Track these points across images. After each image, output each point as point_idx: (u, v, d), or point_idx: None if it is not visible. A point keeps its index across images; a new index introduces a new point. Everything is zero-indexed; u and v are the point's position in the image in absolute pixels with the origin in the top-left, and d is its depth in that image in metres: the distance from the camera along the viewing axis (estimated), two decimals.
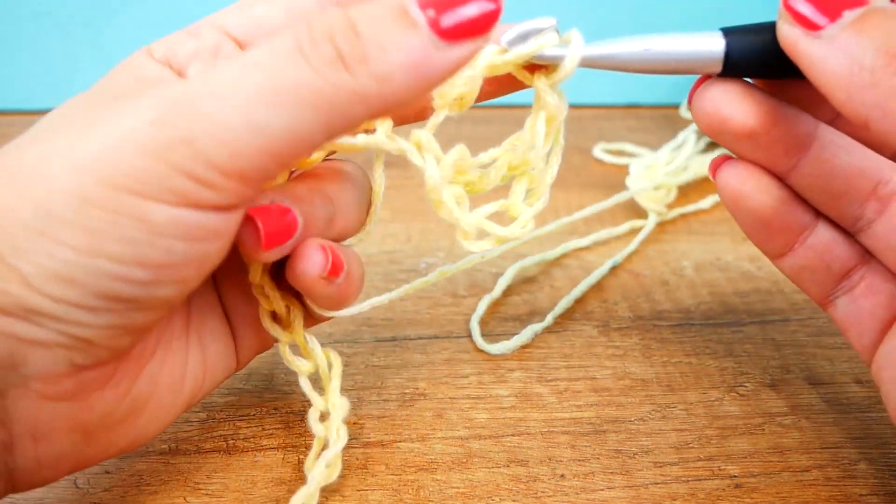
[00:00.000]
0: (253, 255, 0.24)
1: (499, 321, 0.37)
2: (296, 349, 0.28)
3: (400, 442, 0.29)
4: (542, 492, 0.27)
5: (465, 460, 0.29)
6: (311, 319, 0.28)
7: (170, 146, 0.20)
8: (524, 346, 0.35)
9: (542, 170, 0.26)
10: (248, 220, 0.23)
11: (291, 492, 0.27)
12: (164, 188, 0.20)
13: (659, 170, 0.47)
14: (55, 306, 0.20)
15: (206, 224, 0.21)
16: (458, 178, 0.26)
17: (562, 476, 0.28)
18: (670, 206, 0.47)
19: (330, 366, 0.28)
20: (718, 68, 0.24)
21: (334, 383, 0.28)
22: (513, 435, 0.30)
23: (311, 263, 0.25)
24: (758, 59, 0.23)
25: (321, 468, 0.26)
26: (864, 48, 0.20)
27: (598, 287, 0.39)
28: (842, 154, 0.25)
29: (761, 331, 0.36)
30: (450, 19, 0.21)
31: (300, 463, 0.28)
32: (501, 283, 0.38)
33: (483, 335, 0.35)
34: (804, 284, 0.28)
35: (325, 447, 0.27)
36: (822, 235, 0.27)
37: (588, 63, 0.24)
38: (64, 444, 0.22)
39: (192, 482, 0.27)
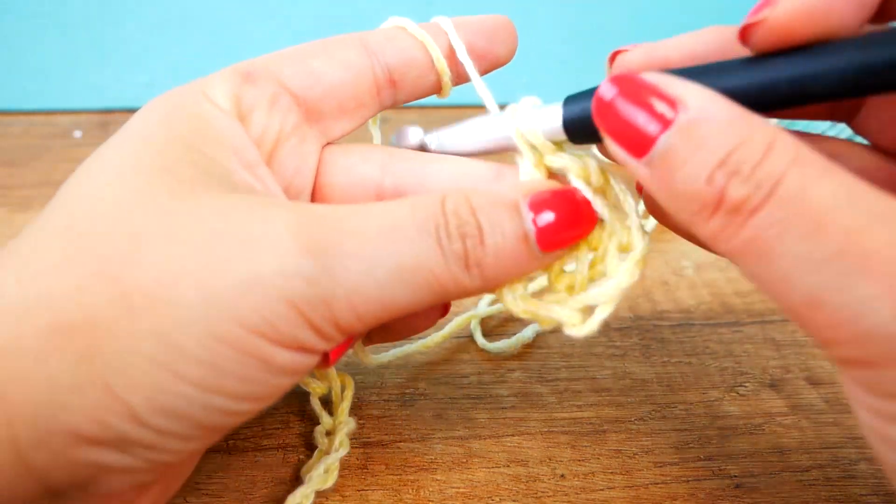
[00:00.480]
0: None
1: (498, 321, 0.37)
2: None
3: (400, 442, 0.29)
4: (542, 492, 0.27)
5: (465, 460, 0.29)
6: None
7: (312, 304, 0.20)
8: (524, 346, 0.35)
9: (619, 227, 0.24)
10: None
11: (291, 492, 0.27)
12: (293, 337, 0.20)
13: None
14: (156, 438, 0.19)
15: (309, 363, 0.21)
16: (558, 285, 0.25)
17: (562, 476, 0.28)
18: None
19: (343, 388, 0.29)
20: (563, 137, 0.24)
21: (345, 405, 0.29)
22: (513, 435, 0.30)
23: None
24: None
25: (320, 471, 0.26)
26: (673, 191, 0.19)
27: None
28: None
29: (761, 331, 0.36)
30: (554, 237, 0.22)
31: (300, 463, 0.28)
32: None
33: (483, 335, 0.35)
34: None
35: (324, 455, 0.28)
36: None
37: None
38: None
39: (192, 482, 0.27)
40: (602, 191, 0.24)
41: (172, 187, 0.20)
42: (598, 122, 0.20)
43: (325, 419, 0.29)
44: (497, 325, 0.36)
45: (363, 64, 0.26)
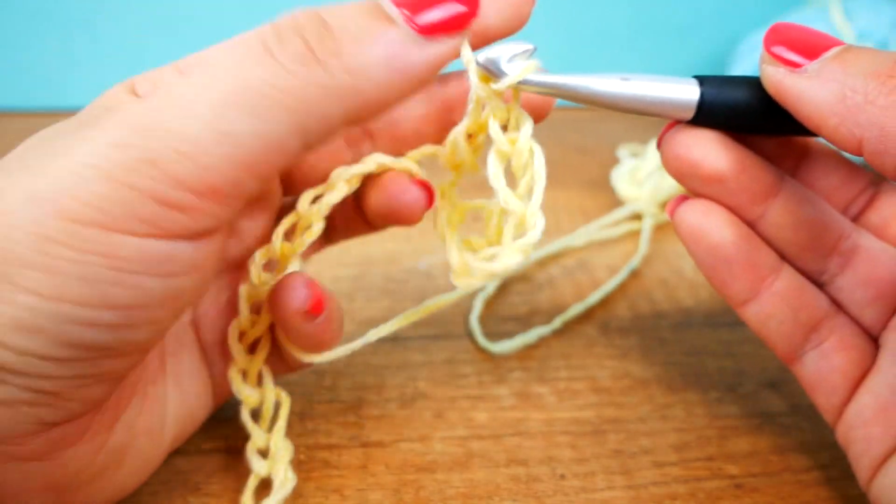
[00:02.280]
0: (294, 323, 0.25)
1: (498, 321, 0.37)
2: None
3: (400, 442, 0.29)
4: (542, 492, 0.27)
5: (465, 460, 0.29)
6: (284, 366, 0.28)
7: (132, 168, 0.18)
8: (525, 346, 0.35)
9: (519, 205, 0.24)
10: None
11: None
12: (131, 216, 0.18)
13: (643, 171, 0.47)
14: (18, 359, 0.18)
15: (180, 255, 0.19)
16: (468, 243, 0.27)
17: (562, 476, 0.28)
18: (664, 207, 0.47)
19: (278, 405, 0.27)
20: (689, 115, 0.24)
21: (280, 423, 0.27)
22: (513, 435, 0.30)
23: (295, 297, 0.24)
24: (730, 111, 0.23)
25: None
26: (852, 75, 0.21)
27: (597, 287, 0.39)
28: (807, 206, 0.25)
29: None
30: (425, 17, 0.20)
31: (300, 463, 0.28)
32: (496, 282, 0.38)
33: (483, 335, 0.35)
34: (771, 336, 0.26)
35: (266, 484, 0.26)
36: (789, 280, 0.25)
37: (561, 93, 0.23)
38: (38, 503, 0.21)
39: (193, 482, 0.27)
40: (521, 167, 0.24)
41: (52, 137, 0.20)
42: (770, 41, 0.22)
43: (258, 435, 0.27)
44: (498, 326, 0.36)
45: None
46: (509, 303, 0.38)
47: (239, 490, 0.27)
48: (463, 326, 0.36)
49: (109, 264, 0.18)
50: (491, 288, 0.38)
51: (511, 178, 0.24)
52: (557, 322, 0.36)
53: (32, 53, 0.58)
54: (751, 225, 0.25)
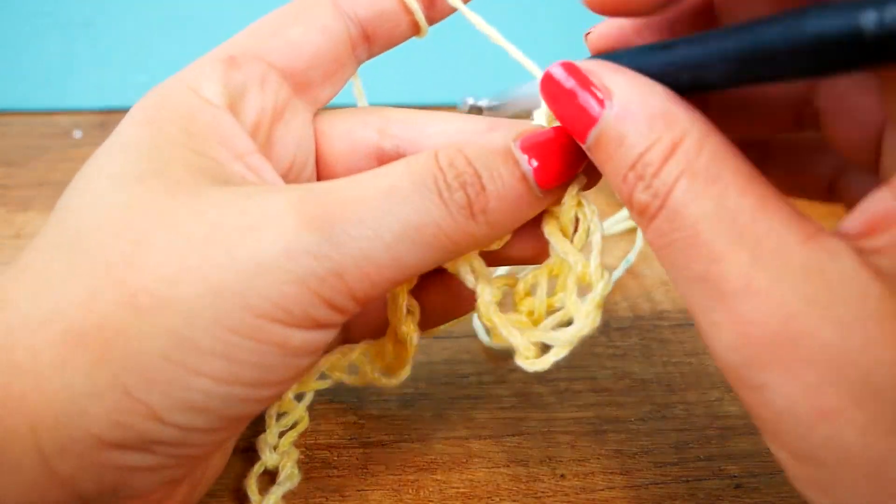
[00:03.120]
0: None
1: None
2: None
3: (400, 442, 0.29)
4: (542, 492, 0.27)
5: (465, 460, 0.29)
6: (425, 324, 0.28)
7: (322, 279, 0.20)
8: None
9: (583, 262, 0.23)
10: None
11: (291, 491, 0.27)
12: (307, 316, 0.20)
13: None
14: (180, 434, 0.19)
15: (328, 339, 0.21)
16: (520, 307, 0.26)
17: (562, 476, 0.28)
18: None
19: (297, 422, 0.29)
20: None
21: (291, 433, 0.28)
22: (513, 435, 0.30)
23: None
24: None
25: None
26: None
27: None
28: None
29: None
30: (551, 173, 0.22)
31: (300, 463, 0.28)
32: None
33: (486, 334, 0.35)
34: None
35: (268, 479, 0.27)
36: None
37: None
38: None
39: None
40: (573, 220, 0.24)
41: (168, 188, 0.20)
42: (549, 106, 0.21)
43: (271, 434, 0.28)
44: None
45: (338, 26, 0.25)
46: (509, 302, 0.38)
47: (239, 490, 0.27)
48: (464, 326, 0.36)
49: (282, 352, 0.20)
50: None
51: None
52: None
53: (32, 54, 0.58)
54: None
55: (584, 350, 0.35)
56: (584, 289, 0.23)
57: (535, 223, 0.24)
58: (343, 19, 0.25)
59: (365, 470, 0.28)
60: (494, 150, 0.22)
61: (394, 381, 0.27)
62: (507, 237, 0.25)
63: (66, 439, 0.18)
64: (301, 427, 0.29)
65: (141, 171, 0.21)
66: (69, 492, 0.19)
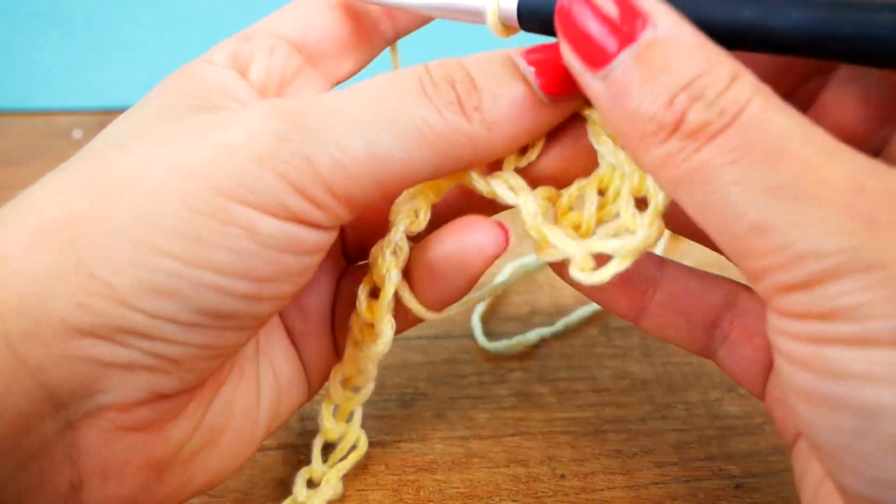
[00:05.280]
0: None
1: (499, 321, 0.37)
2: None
3: (400, 442, 0.29)
4: (542, 492, 0.27)
5: (465, 460, 0.29)
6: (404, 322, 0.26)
7: (289, 161, 0.19)
8: (525, 346, 0.35)
9: (640, 171, 0.22)
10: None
11: (291, 492, 0.27)
12: (276, 202, 0.19)
13: None
14: (149, 322, 0.19)
15: (310, 240, 0.20)
16: (563, 222, 0.23)
17: (562, 476, 0.28)
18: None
19: (353, 447, 0.27)
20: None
21: (344, 464, 0.27)
22: (513, 435, 0.30)
23: (489, 239, 0.23)
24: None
25: None
26: (632, 106, 0.18)
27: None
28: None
29: None
30: (557, 75, 0.21)
31: (300, 463, 0.28)
32: (499, 281, 0.38)
33: (484, 335, 0.35)
34: (674, 341, 0.25)
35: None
36: (672, 287, 0.24)
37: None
38: (136, 483, 0.21)
39: None
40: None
41: (166, 117, 0.21)
42: (558, 25, 0.19)
43: (318, 464, 0.27)
44: (498, 326, 0.36)
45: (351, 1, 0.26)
46: (510, 303, 0.38)
47: (239, 490, 0.27)
48: (463, 326, 0.36)
49: (251, 238, 0.19)
50: (497, 289, 0.38)
51: None
52: (560, 325, 0.36)
53: (33, 53, 0.58)
54: None
55: (584, 350, 0.35)
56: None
57: (571, 137, 0.23)
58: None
59: (365, 470, 0.28)
60: (491, 55, 0.21)
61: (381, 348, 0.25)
62: (536, 151, 0.23)
63: (30, 322, 0.18)
64: (357, 454, 0.27)
65: (144, 111, 0.22)
66: (39, 383, 0.18)
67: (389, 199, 0.23)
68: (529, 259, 0.40)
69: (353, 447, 0.27)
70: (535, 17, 0.22)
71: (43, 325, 0.18)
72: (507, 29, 0.23)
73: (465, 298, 0.27)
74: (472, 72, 0.21)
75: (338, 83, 0.27)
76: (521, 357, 0.34)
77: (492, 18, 0.22)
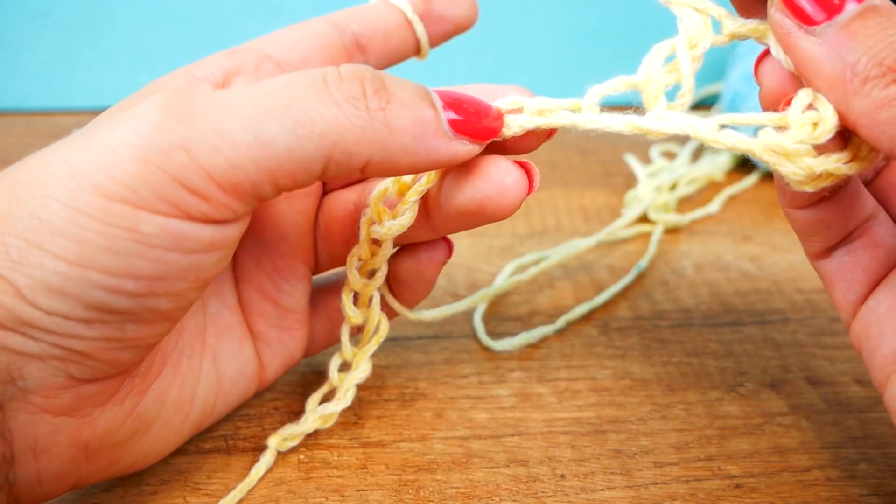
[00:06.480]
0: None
1: (499, 321, 0.37)
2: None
3: (400, 442, 0.29)
4: (542, 492, 0.27)
5: (465, 460, 0.29)
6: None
7: (165, 152, 0.19)
8: (524, 346, 0.35)
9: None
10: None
11: (291, 492, 0.27)
12: (158, 197, 0.19)
13: (666, 179, 0.47)
14: (47, 319, 0.20)
15: (200, 236, 0.20)
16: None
17: (562, 476, 0.28)
18: (675, 211, 0.47)
19: (377, 329, 0.29)
20: None
21: (370, 346, 0.29)
22: (513, 435, 0.30)
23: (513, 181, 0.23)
24: None
25: (314, 405, 0.29)
26: (857, 54, 0.19)
27: (597, 287, 0.39)
28: None
29: (761, 331, 0.36)
30: (456, 119, 0.22)
31: (300, 463, 0.28)
32: (500, 281, 0.38)
33: (486, 334, 0.35)
34: (813, 236, 0.25)
35: (329, 397, 0.29)
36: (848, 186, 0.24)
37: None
38: (64, 460, 0.22)
39: (192, 482, 0.27)
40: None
41: (103, 116, 0.22)
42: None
43: (347, 349, 0.29)
44: (498, 326, 0.36)
45: (331, 32, 0.27)
46: (510, 303, 0.38)
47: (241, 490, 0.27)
48: (463, 326, 0.36)
49: (134, 238, 0.19)
50: (496, 287, 0.38)
51: None
52: (561, 322, 0.36)
53: (33, 54, 0.58)
54: None
55: (584, 350, 0.35)
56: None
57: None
58: (337, 28, 0.27)
59: (365, 470, 0.28)
60: (407, 81, 0.22)
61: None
62: (434, 177, 0.24)
63: None
64: (380, 335, 0.29)
65: (112, 108, 0.23)
66: None
67: (279, 192, 0.22)
68: (529, 258, 0.40)
69: (377, 329, 0.29)
70: None
71: None
72: None
73: (468, 300, 0.29)
74: (386, 79, 0.22)
75: None
76: (521, 357, 0.34)
77: None
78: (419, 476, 0.28)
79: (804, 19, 0.20)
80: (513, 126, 0.24)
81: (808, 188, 0.21)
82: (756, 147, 0.21)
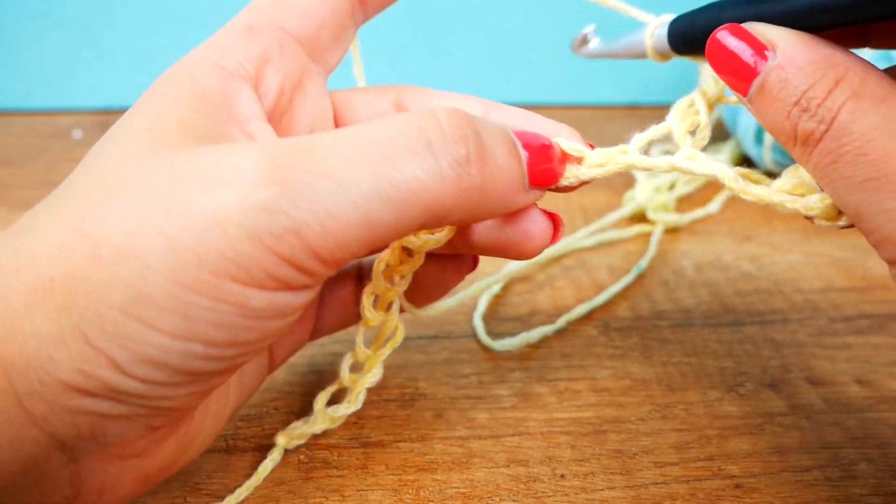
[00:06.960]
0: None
1: (499, 321, 0.37)
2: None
3: (400, 442, 0.29)
4: (542, 492, 0.27)
5: (465, 460, 0.29)
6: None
7: (279, 237, 0.19)
8: (524, 346, 0.35)
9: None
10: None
11: (291, 492, 0.27)
12: (267, 275, 0.19)
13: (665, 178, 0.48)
14: (142, 386, 0.19)
15: (297, 302, 0.21)
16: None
17: (562, 476, 0.28)
18: (675, 211, 0.47)
19: (393, 332, 0.29)
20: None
21: (385, 350, 0.29)
22: (513, 435, 0.30)
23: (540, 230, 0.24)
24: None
25: (322, 404, 0.29)
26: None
27: (597, 287, 0.39)
28: None
29: (761, 331, 0.36)
30: (538, 172, 0.23)
31: (300, 463, 0.28)
32: (500, 281, 0.38)
33: (486, 334, 0.35)
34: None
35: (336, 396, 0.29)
36: None
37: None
38: (126, 493, 0.22)
39: (192, 482, 0.27)
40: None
41: (154, 142, 0.21)
42: (711, 63, 0.23)
43: (361, 350, 0.28)
44: (498, 326, 0.36)
45: None
46: (509, 303, 0.38)
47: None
48: (463, 326, 0.36)
49: (241, 312, 0.19)
50: (497, 287, 0.38)
51: None
52: (561, 322, 0.36)
53: (33, 54, 0.58)
54: None
55: (584, 350, 0.35)
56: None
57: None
58: None
59: (365, 470, 0.28)
60: (494, 126, 0.22)
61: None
62: (446, 237, 0.25)
63: (35, 383, 0.19)
64: (396, 340, 0.29)
65: (135, 129, 0.21)
66: (46, 433, 0.19)
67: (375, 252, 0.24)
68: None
69: (392, 335, 0.29)
70: (683, 44, 0.25)
71: (46, 385, 0.19)
72: (663, 57, 0.26)
73: (460, 297, 0.29)
74: (482, 133, 0.21)
75: (329, 73, 0.27)
76: (521, 357, 0.34)
77: (650, 53, 0.27)
78: (419, 476, 0.28)
79: (737, 89, 0.22)
80: (569, 177, 0.24)
81: (826, 223, 0.23)
82: (775, 198, 0.23)
